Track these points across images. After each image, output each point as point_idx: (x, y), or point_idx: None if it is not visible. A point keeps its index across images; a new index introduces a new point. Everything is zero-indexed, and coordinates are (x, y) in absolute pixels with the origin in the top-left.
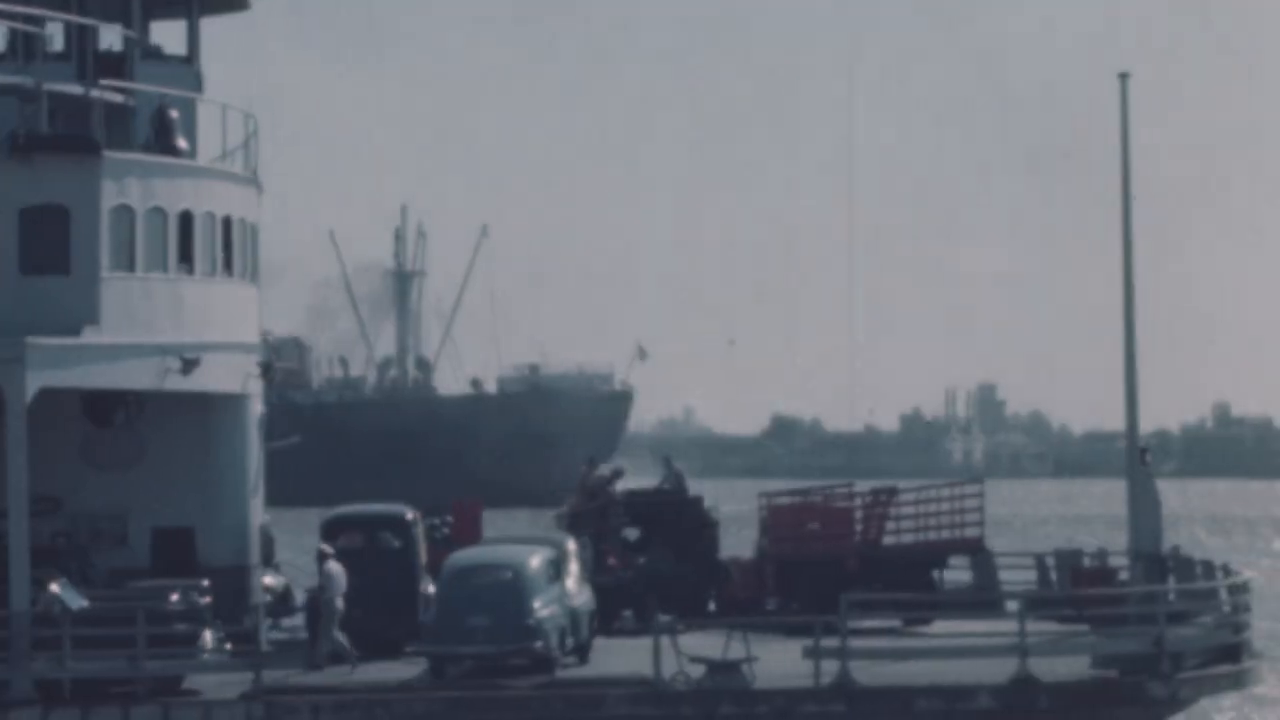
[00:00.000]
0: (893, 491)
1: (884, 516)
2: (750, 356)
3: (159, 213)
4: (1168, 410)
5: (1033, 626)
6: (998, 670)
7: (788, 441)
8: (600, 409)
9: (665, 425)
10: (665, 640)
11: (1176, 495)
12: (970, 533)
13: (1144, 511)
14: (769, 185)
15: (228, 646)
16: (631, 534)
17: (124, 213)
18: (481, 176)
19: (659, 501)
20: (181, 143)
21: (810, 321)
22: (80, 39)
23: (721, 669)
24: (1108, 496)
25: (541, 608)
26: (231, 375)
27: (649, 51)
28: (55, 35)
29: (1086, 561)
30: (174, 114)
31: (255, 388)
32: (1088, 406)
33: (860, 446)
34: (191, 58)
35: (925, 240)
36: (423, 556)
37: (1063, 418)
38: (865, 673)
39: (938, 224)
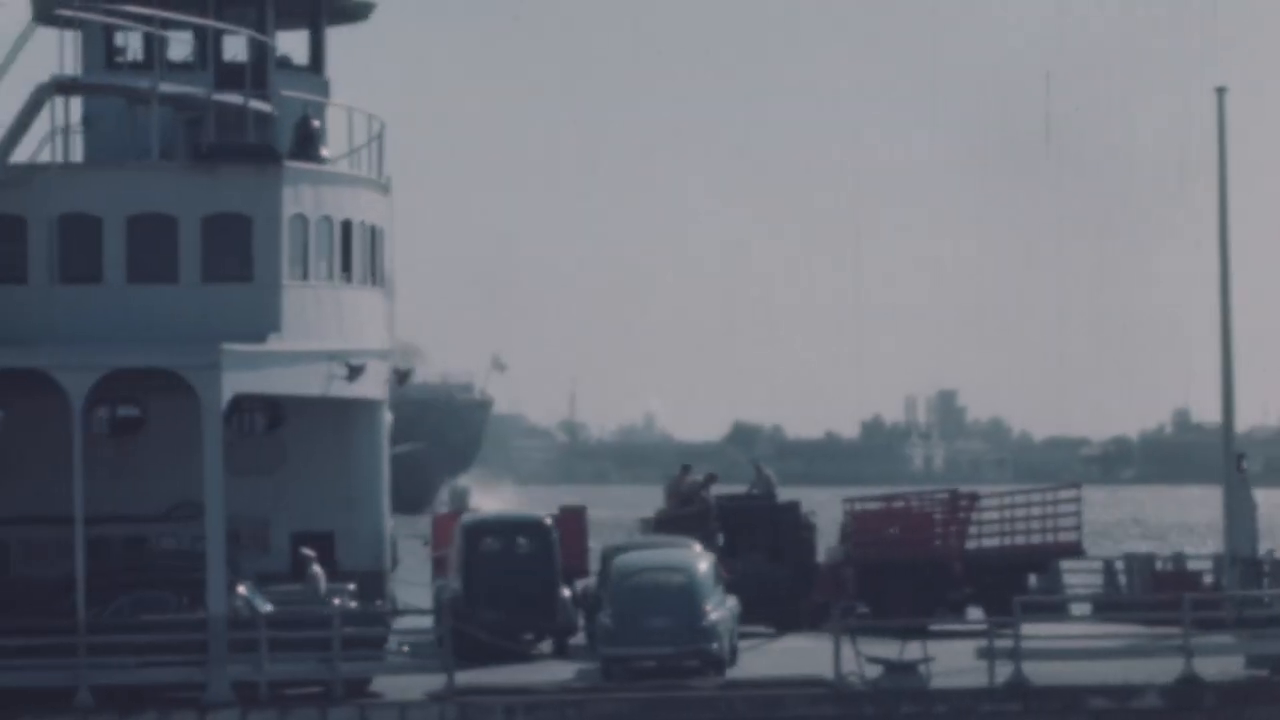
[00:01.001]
0: (974, 497)
1: (966, 521)
2: (712, 362)
3: (327, 221)
4: (1128, 417)
5: (1114, 629)
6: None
7: (749, 448)
8: (460, 419)
9: (626, 432)
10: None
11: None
12: (1069, 537)
13: (1240, 516)
14: (723, 188)
15: (405, 649)
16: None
17: (299, 221)
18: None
19: (756, 507)
20: (325, 151)
21: (774, 327)
22: (212, 48)
23: (899, 669)
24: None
25: (713, 610)
26: (374, 382)
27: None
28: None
29: (1159, 565)
30: (316, 123)
31: (387, 393)
32: (1048, 412)
33: (821, 453)
34: (317, 67)
35: (889, 241)
36: (560, 560)
37: (1023, 424)
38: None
39: (902, 223)
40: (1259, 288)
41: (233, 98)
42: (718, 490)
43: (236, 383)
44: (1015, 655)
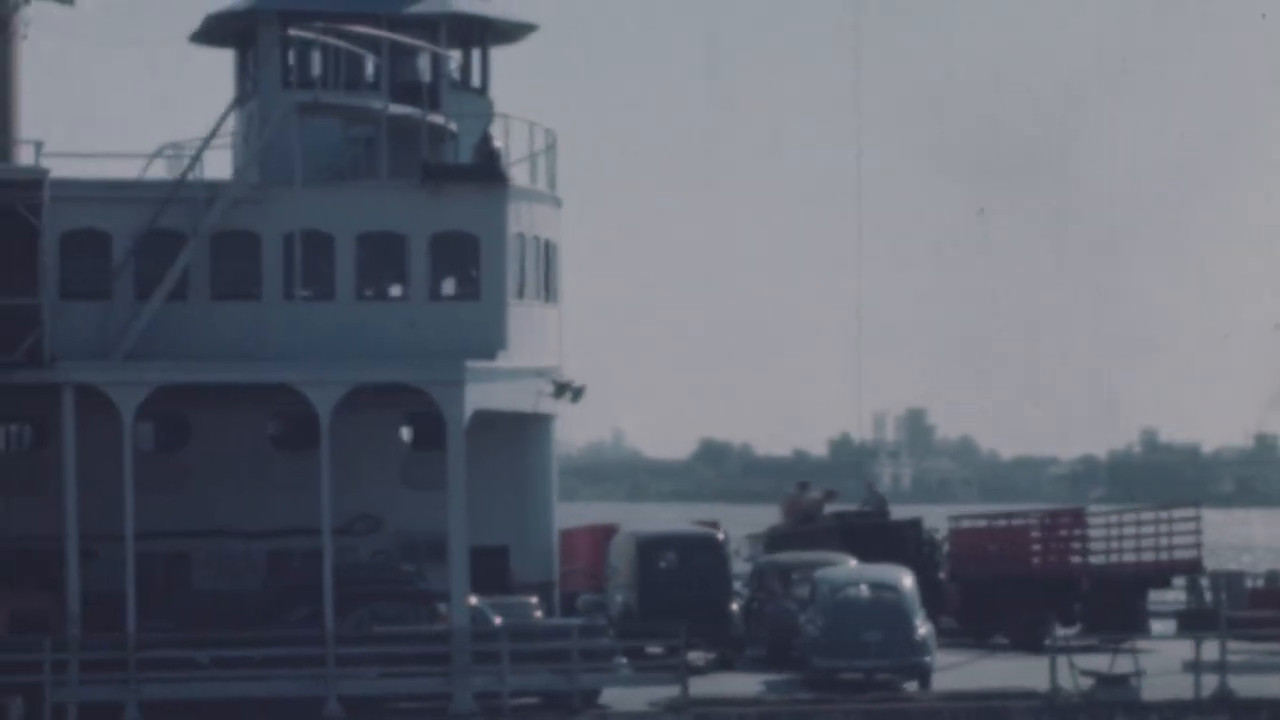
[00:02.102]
0: (1078, 514)
1: (1069, 539)
2: (680, 379)
3: (537, 240)
4: (1095, 437)
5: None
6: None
7: (717, 465)
8: None
9: (594, 449)
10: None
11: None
12: (1189, 554)
13: None
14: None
15: (623, 660)
16: None
17: (518, 240)
18: None
19: (880, 524)
20: (508, 170)
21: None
22: (388, 69)
23: (1112, 682)
24: None
25: (920, 624)
26: (546, 397)
27: None
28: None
29: (1250, 583)
30: (498, 143)
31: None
32: (1016, 431)
33: (789, 471)
34: (484, 87)
35: (860, 260)
36: (732, 574)
37: (991, 443)
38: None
39: (871, 242)
40: (1231, 307)
41: (437, 118)
42: (829, 508)
43: (476, 399)
44: (1221, 668)
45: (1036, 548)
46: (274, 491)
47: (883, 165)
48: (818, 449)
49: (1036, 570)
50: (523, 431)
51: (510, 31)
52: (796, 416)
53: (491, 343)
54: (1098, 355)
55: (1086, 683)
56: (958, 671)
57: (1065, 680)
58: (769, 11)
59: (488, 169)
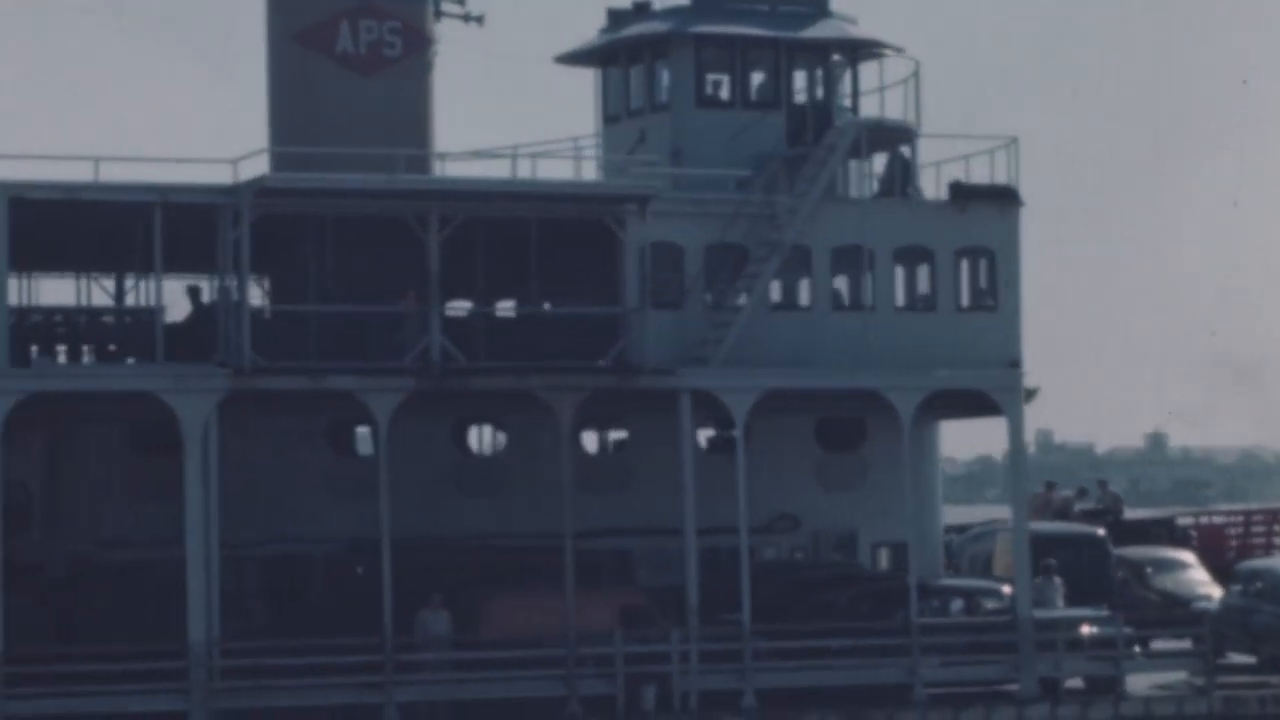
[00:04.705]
0: (1276, 512)
1: (1270, 534)
2: None
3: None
4: (991, 438)
5: None
6: None
7: None
8: None
9: None
10: None
11: None
12: None
13: None
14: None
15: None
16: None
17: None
18: None
19: (1137, 523)
20: (920, 184)
21: None
22: (785, 88)
23: None
24: None
25: None
26: None
27: None
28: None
29: None
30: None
31: None
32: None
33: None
34: (854, 105)
35: None
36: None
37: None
38: None
39: None
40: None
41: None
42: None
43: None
44: None
45: (1218, 545)
46: (707, 492)
47: None
48: None
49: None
50: (919, 434)
51: (881, 51)
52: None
53: (1010, 352)
54: None
55: None
56: None
57: None
58: None
59: (1004, 190)
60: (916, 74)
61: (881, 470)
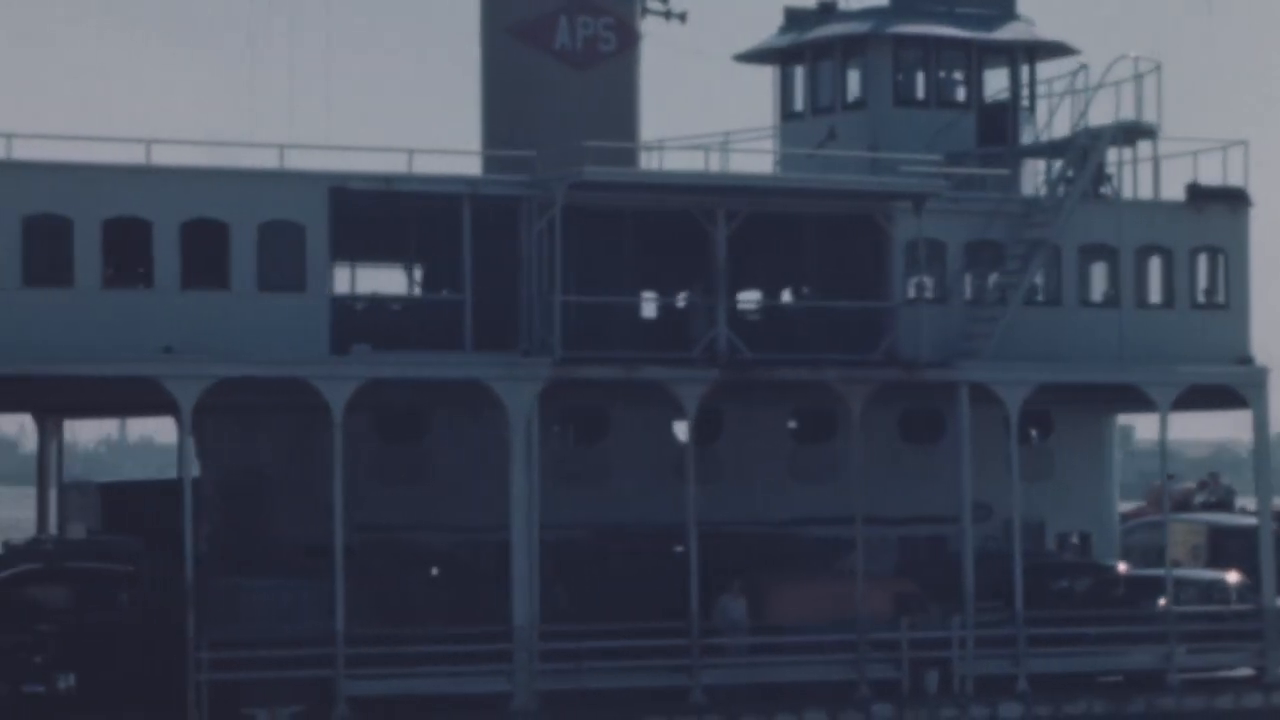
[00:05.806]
0: None
1: None
2: None
3: None
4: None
5: None
6: None
7: None
8: None
9: None
10: None
11: None
12: None
13: None
14: None
15: None
16: None
17: None
18: None
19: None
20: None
21: None
22: (977, 88)
23: None
24: None
25: None
26: None
27: None
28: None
29: None
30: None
31: None
32: None
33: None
34: (1032, 104)
35: None
36: None
37: None
38: None
39: None
40: None
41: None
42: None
43: None
44: None
45: None
46: (900, 480)
47: None
48: None
49: None
50: (1099, 429)
51: (1059, 52)
52: None
53: (1240, 350)
54: None
55: None
56: None
57: None
58: None
59: (1236, 192)
60: (1158, 72)
61: (1066, 461)
